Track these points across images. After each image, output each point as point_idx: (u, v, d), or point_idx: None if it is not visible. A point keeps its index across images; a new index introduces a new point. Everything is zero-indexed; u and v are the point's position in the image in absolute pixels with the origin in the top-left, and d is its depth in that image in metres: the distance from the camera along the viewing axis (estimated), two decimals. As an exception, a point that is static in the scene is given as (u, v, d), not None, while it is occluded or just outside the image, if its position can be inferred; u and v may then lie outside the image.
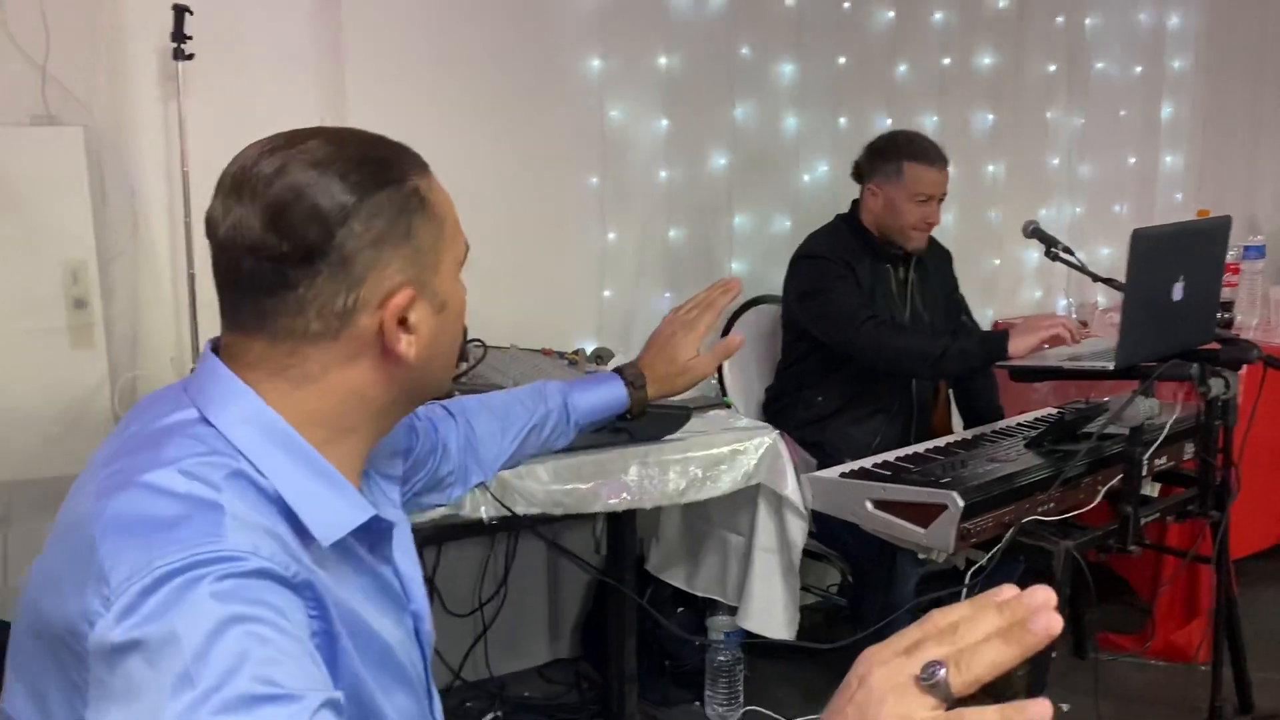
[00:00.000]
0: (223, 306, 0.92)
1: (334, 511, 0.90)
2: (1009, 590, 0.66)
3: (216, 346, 0.94)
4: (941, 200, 2.63)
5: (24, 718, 0.83)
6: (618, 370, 1.48)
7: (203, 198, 2.24)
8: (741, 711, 2.57)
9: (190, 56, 2.16)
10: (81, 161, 2.13)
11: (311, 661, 0.79)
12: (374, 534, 0.97)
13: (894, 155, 2.60)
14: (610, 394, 1.46)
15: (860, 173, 2.68)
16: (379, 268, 0.90)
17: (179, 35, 2.14)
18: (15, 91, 2.10)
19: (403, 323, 0.92)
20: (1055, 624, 0.63)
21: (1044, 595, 0.64)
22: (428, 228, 0.93)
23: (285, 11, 2.36)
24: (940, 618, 0.67)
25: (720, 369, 2.98)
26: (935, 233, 2.71)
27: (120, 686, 0.74)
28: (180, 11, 2.13)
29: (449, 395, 1.22)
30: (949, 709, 0.64)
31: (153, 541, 0.77)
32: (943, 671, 0.64)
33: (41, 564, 0.85)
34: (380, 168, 0.91)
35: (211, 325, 2.21)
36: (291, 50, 2.37)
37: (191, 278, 2.21)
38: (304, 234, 0.87)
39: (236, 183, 0.89)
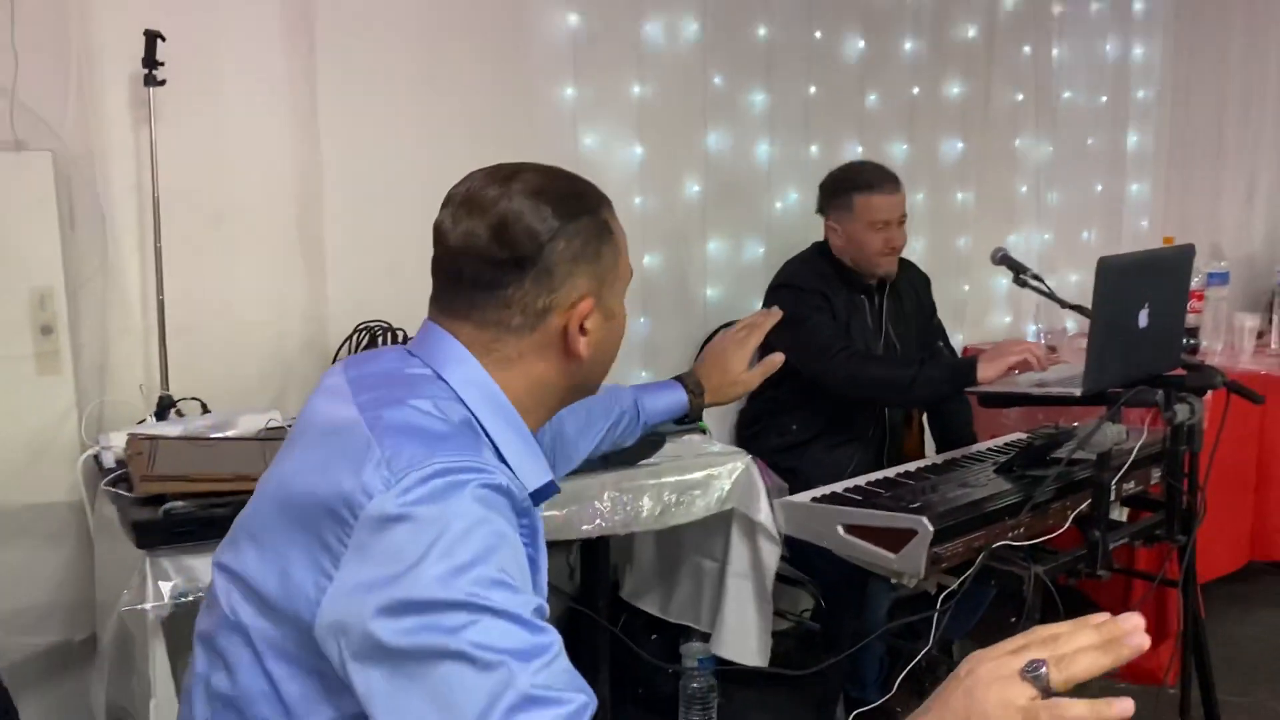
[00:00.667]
0: (438, 297, 1.13)
1: (532, 468, 1.10)
2: (1103, 615, 0.82)
3: (436, 319, 1.13)
4: (902, 222, 2.66)
5: (255, 574, 1.01)
6: (678, 378, 1.69)
7: (174, 224, 2.25)
8: (715, 738, 2.56)
9: (162, 82, 2.15)
10: (50, 187, 2.11)
11: (529, 568, 0.99)
12: (542, 498, 1.13)
13: (843, 189, 2.64)
14: (674, 399, 1.67)
15: (821, 209, 2.72)
16: (572, 279, 1.10)
17: (150, 61, 2.13)
18: (-18, 115, 2.08)
19: (581, 326, 1.11)
20: (1145, 642, 0.79)
21: (1136, 620, 0.80)
22: (610, 251, 1.14)
23: (258, 37, 2.35)
24: (1043, 630, 0.82)
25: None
26: (909, 258, 2.73)
27: (382, 548, 0.91)
28: (152, 37, 2.12)
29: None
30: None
31: (432, 443, 0.96)
32: (1044, 668, 0.78)
33: (296, 457, 1.06)
34: (580, 200, 1.13)
35: (180, 351, 2.21)
36: (264, 76, 2.37)
37: (161, 304, 2.20)
38: (520, 246, 1.07)
39: (467, 200, 1.10)
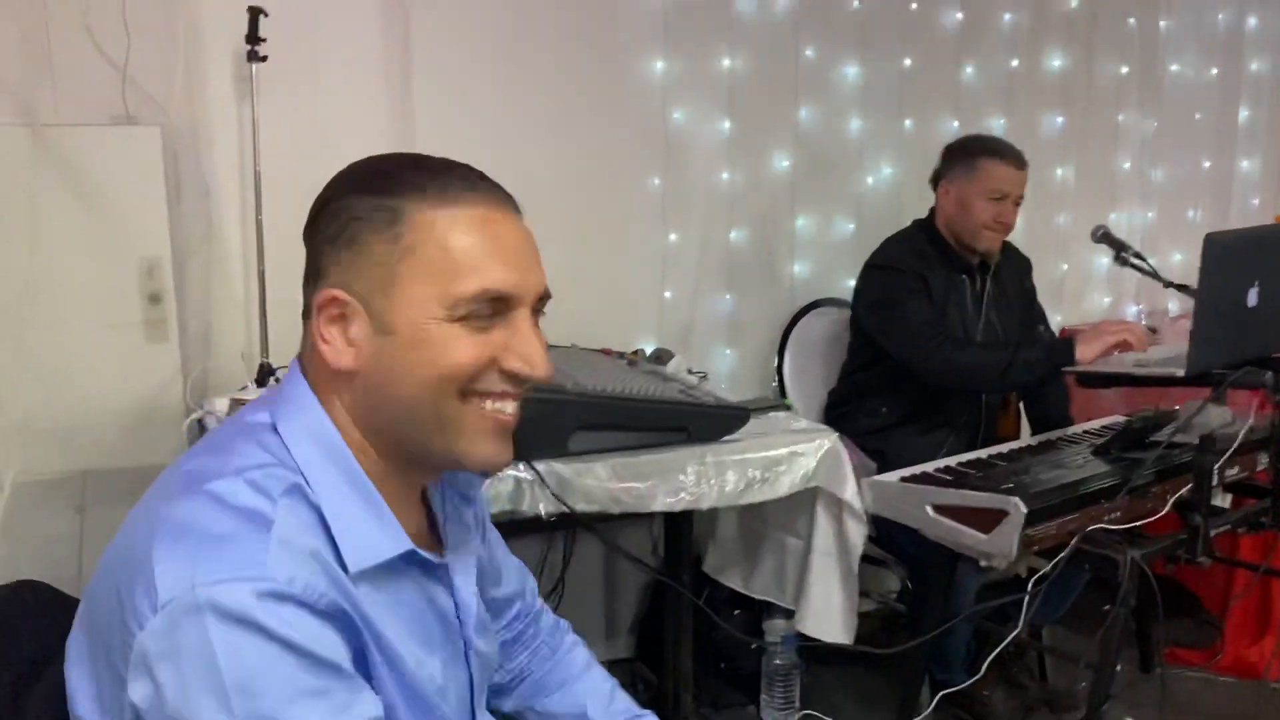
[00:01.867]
0: None
1: (371, 540, 0.91)
2: None
3: (301, 359, 0.98)
4: (1017, 202, 2.59)
5: (76, 688, 0.89)
6: None
7: (274, 197, 2.32)
8: (797, 716, 2.56)
9: (264, 58, 2.21)
10: (158, 161, 2.19)
11: (339, 684, 0.84)
12: (423, 562, 0.98)
13: (970, 151, 2.59)
14: None
15: (936, 178, 2.66)
16: (326, 269, 0.93)
17: (253, 37, 2.19)
18: (97, 92, 2.16)
19: (322, 332, 0.92)
20: None
21: None
22: (386, 246, 0.90)
23: (356, 15, 2.40)
24: None
25: (781, 371, 2.98)
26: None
27: (153, 689, 0.80)
28: (255, 13, 2.18)
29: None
30: None
31: (199, 556, 0.81)
32: None
33: (118, 537, 0.91)
34: (384, 178, 0.93)
35: (281, 322, 2.28)
36: (361, 53, 2.42)
37: (262, 275, 2.26)
38: (307, 225, 0.95)
39: None
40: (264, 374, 2.24)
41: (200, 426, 2.12)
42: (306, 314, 0.95)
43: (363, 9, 2.41)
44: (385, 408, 0.93)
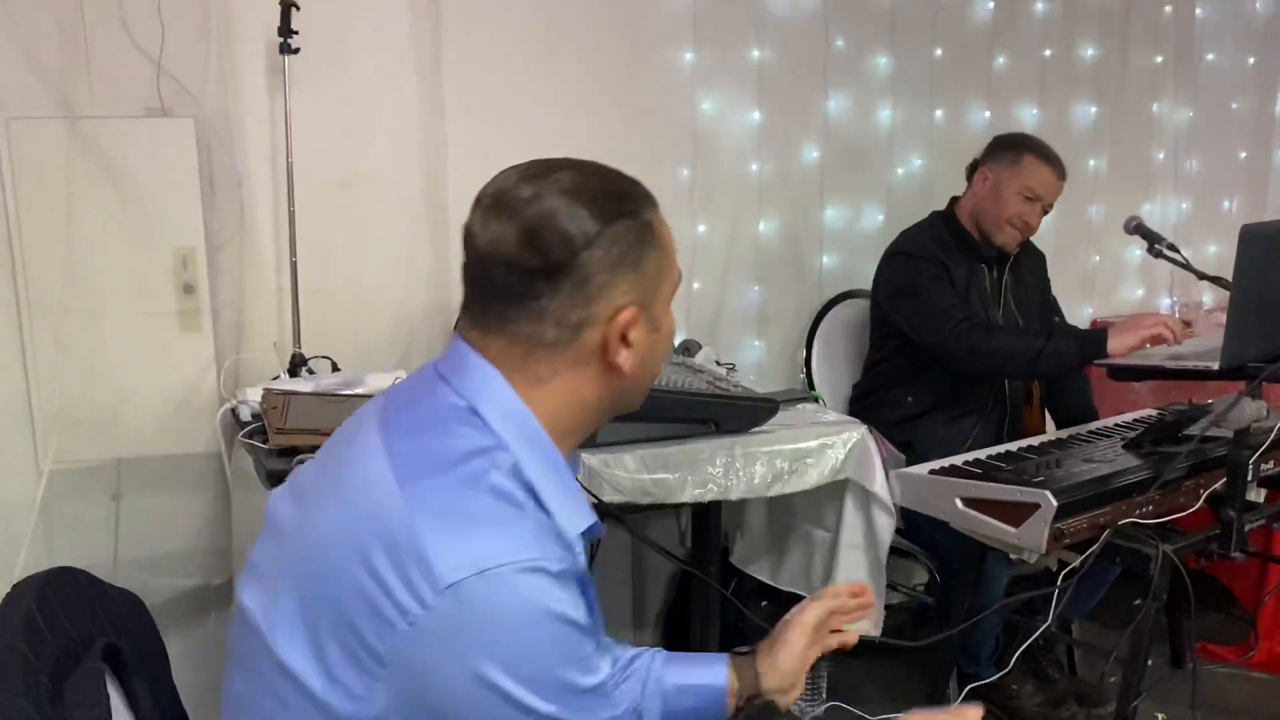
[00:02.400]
0: (468, 307, 1.03)
1: (572, 512, 1.01)
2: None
3: (464, 337, 1.04)
4: (1046, 210, 2.59)
5: (288, 654, 0.93)
6: (735, 652, 1.35)
7: (306, 188, 2.33)
8: (824, 707, 2.56)
9: (296, 50, 2.22)
10: (192, 152, 2.21)
11: (594, 646, 0.95)
12: (585, 540, 1.06)
13: (1020, 146, 2.60)
14: (710, 674, 1.31)
15: (975, 165, 2.66)
16: (611, 288, 1.00)
17: (286, 29, 2.20)
18: (131, 84, 2.19)
19: (623, 339, 1.02)
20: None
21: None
22: (655, 257, 1.03)
23: (387, 6, 2.41)
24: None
25: (809, 363, 2.97)
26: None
27: (439, 667, 0.88)
28: (287, 6, 2.19)
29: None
30: None
31: (475, 539, 0.89)
32: None
33: (324, 519, 0.96)
34: (621, 201, 1.02)
35: (313, 311, 2.30)
36: (393, 45, 2.43)
37: (294, 266, 2.28)
38: (553, 253, 0.97)
39: (496, 202, 1.00)
40: (296, 364, 2.26)
41: (234, 415, 2.14)
42: (538, 320, 1.00)
43: (393, 1, 2.42)
44: (623, 393, 1.07)
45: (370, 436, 1.00)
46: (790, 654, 1.29)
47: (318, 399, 2.02)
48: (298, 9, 2.21)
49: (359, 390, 2.09)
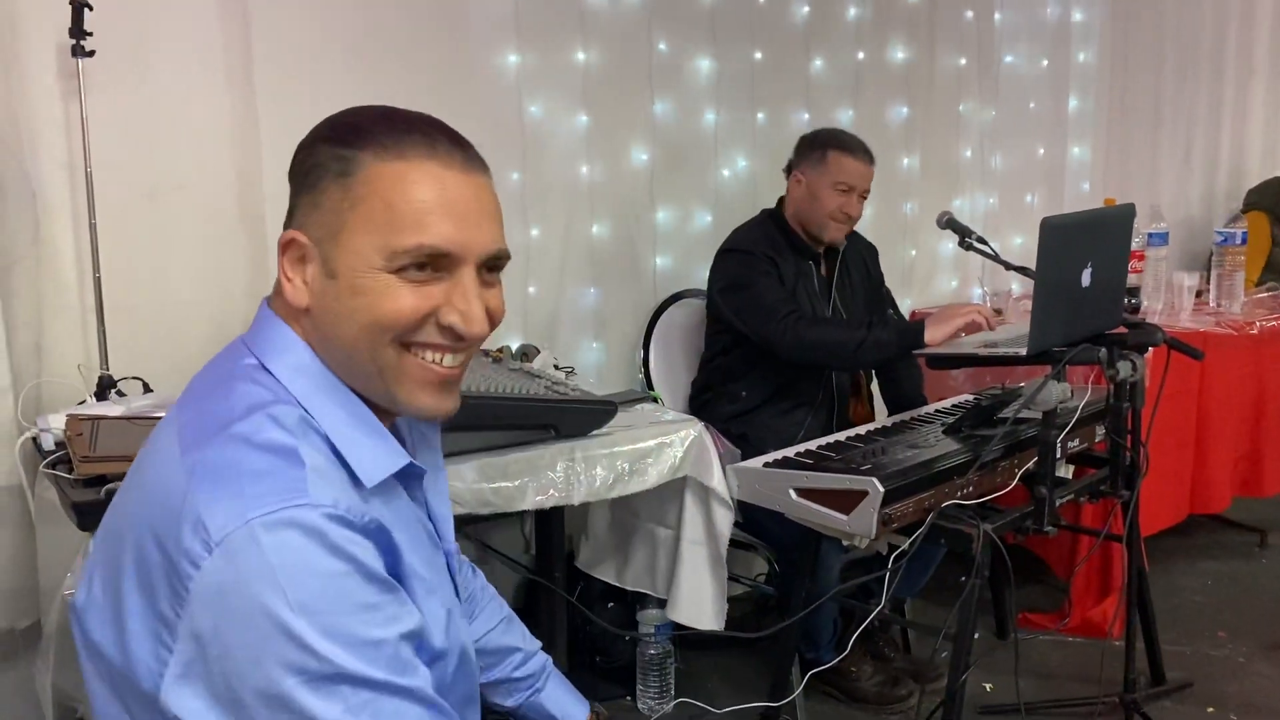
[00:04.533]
0: None
1: (376, 456, 0.97)
2: None
3: (268, 300, 1.02)
4: (863, 196, 2.68)
5: (97, 631, 0.92)
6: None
7: (109, 199, 2.19)
8: (673, 704, 2.58)
9: (91, 53, 2.09)
10: (-24, 162, 2.05)
11: (390, 598, 0.89)
12: (410, 478, 1.04)
13: (821, 144, 2.68)
14: (575, 707, 1.40)
15: (790, 166, 2.74)
16: (293, 212, 0.98)
17: (78, 31, 2.06)
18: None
19: (300, 264, 0.97)
20: None
21: None
22: (337, 193, 0.94)
23: (190, 5, 2.29)
24: None
25: (647, 363, 2.99)
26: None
27: (221, 623, 0.83)
28: (79, 6, 2.05)
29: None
30: None
31: (244, 494, 0.85)
32: None
33: (131, 496, 0.95)
34: (350, 130, 0.96)
35: (120, 330, 2.16)
36: (198, 45, 2.30)
37: (98, 281, 2.14)
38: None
39: None
40: (104, 386, 2.12)
41: (35, 445, 1.99)
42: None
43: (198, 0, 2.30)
44: (333, 348, 0.97)
45: (171, 412, 0.99)
46: None
47: (128, 423, 1.89)
48: (90, 9, 2.07)
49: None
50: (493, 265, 1.00)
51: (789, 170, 2.74)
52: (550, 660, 1.43)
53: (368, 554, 0.88)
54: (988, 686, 2.66)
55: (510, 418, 2.03)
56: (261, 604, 0.82)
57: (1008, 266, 2.53)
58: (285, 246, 0.97)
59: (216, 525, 0.84)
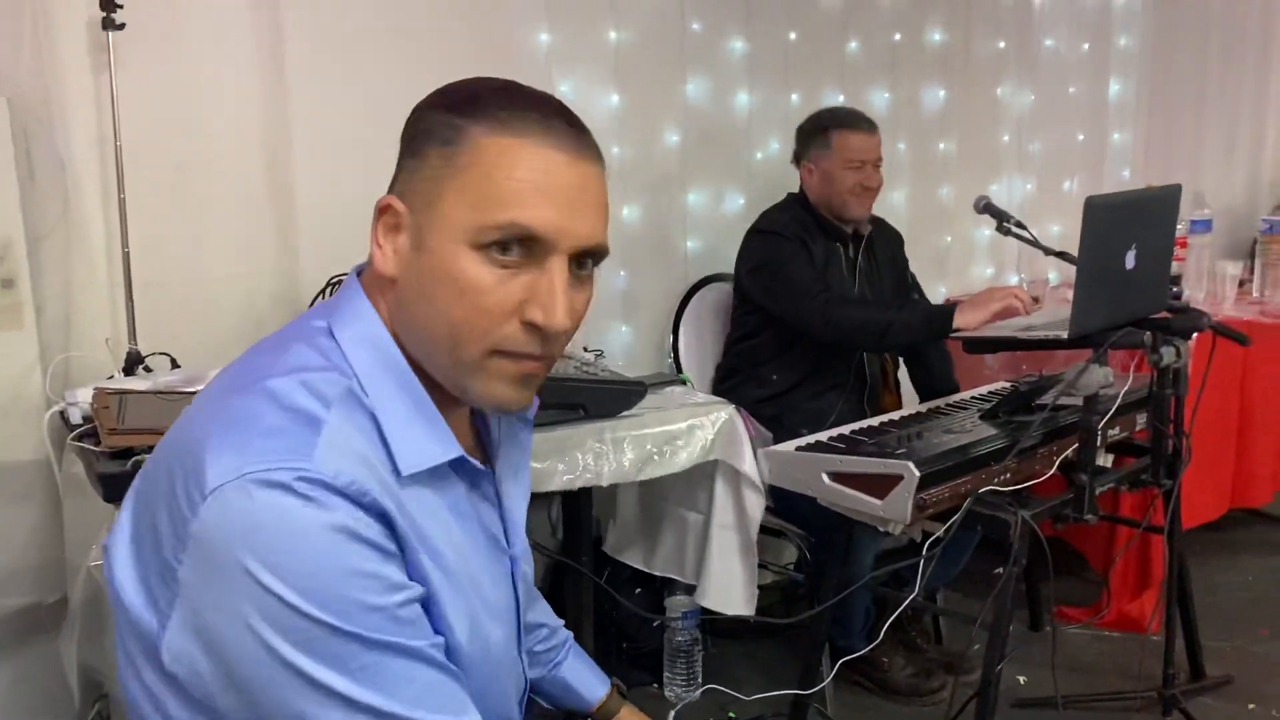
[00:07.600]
0: None
1: (422, 444, 0.92)
2: None
3: (360, 269, 0.99)
4: (877, 165, 2.64)
5: (121, 576, 0.89)
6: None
7: (138, 173, 2.17)
8: (700, 691, 2.55)
9: (121, 26, 2.07)
10: (6, 136, 2.03)
11: (389, 566, 0.86)
12: (471, 472, 1.00)
13: (820, 128, 2.67)
14: (595, 681, 1.38)
15: (797, 158, 2.72)
16: (396, 175, 0.95)
17: (109, 4, 2.05)
18: (-66, 63, 2.00)
19: (393, 231, 0.93)
20: None
21: None
22: (439, 162, 0.90)
23: (221, -21, 2.27)
24: None
25: (676, 346, 2.96)
26: (887, 211, 2.71)
27: (211, 573, 0.82)
28: (110, -21, 2.05)
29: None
30: None
31: (247, 448, 0.83)
32: None
33: (165, 439, 0.93)
34: (468, 99, 0.92)
35: (149, 304, 2.15)
36: (229, 20, 2.28)
37: (126, 256, 2.13)
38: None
39: None
40: (132, 362, 2.11)
41: (63, 418, 1.98)
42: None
43: (229, -26, 2.29)
44: (411, 327, 0.94)
45: (244, 353, 0.98)
46: None
47: (156, 397, 1.88)
48: (121, -19, 2.06)
49: (200, 387, 1.96)
50: (585, 261, 0.94)
51: (797, 161, 2.72)
52: (572, 635, 1.40)
53: (360, 523, 0.84)
54: (1021, 680, 2.61)
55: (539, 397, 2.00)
56: (239, 560, 0.80)
57: (1046, 251, 2.47)
58: (381, 211, 0.94)
59: (214, 474, 0.82)
